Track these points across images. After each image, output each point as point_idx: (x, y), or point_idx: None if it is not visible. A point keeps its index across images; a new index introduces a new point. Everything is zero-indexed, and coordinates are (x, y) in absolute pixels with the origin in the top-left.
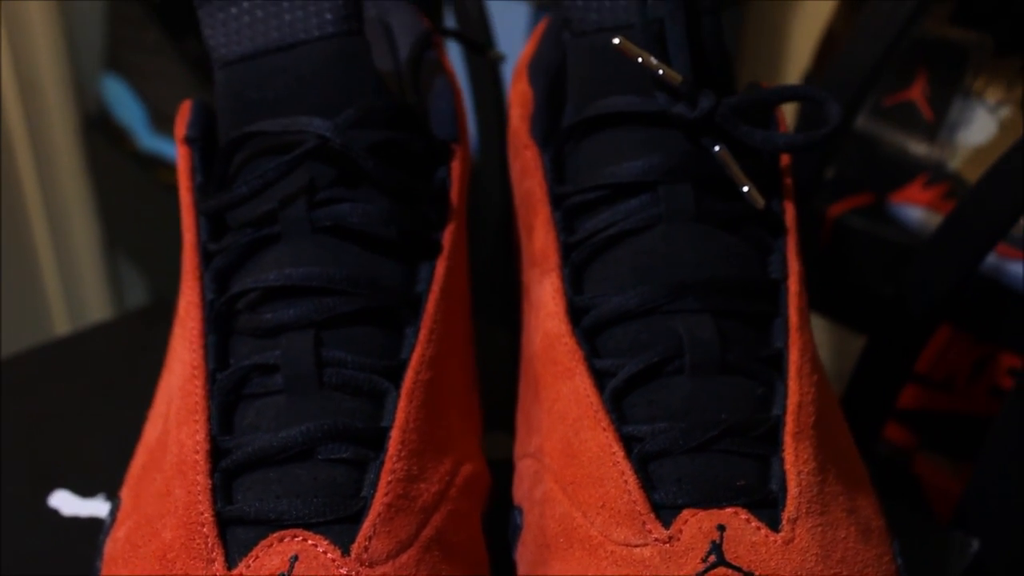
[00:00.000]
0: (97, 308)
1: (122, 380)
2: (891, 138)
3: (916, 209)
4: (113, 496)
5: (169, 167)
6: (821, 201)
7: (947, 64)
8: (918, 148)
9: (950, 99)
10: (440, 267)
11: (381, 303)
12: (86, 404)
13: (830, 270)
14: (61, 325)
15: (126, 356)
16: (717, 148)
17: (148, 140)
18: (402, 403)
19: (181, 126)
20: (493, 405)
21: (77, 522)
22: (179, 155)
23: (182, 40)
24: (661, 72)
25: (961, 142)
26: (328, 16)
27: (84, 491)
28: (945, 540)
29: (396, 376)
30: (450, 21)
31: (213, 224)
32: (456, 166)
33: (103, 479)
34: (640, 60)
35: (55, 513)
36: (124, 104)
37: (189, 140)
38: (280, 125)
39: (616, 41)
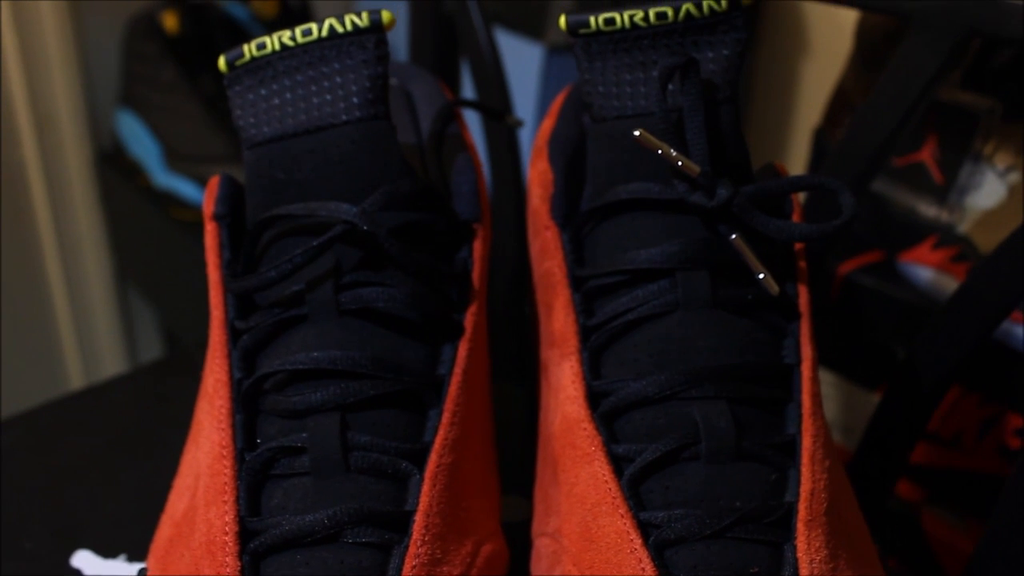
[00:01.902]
0: (107, 338)
1: (138, 435)
2: (901, 198)
3: (925, 269)
4: (135, 558)
5: (182, 204)
6: (831, 258)
7: (957, 128)
8: (928, 210)
9: (960, 163)
10: (462, 349)
11: (405, 386)
12: (103, 460)
13: (839, 326)
14: (71, 353)
15: (141, 411)
16: (733, 236)
17: (162, 177)
18: (425, 487)
19: (209, 202)
20: (506, 465)
21: None
22: (207, 231)
23: (197, 78)
24: (680, 163)
25: (970, 205)
26: (355, 101)
27: (105, 551)
28: None
29: (420, 459)
30: (465, 72)
31: (240, 301)
32: (478, 246)
33: (123, 539)
34: (660, 152)
35: (77, 573)
36: (138, 140)
37: (217, 217)
38: (308, 209)
39: (637, 133)
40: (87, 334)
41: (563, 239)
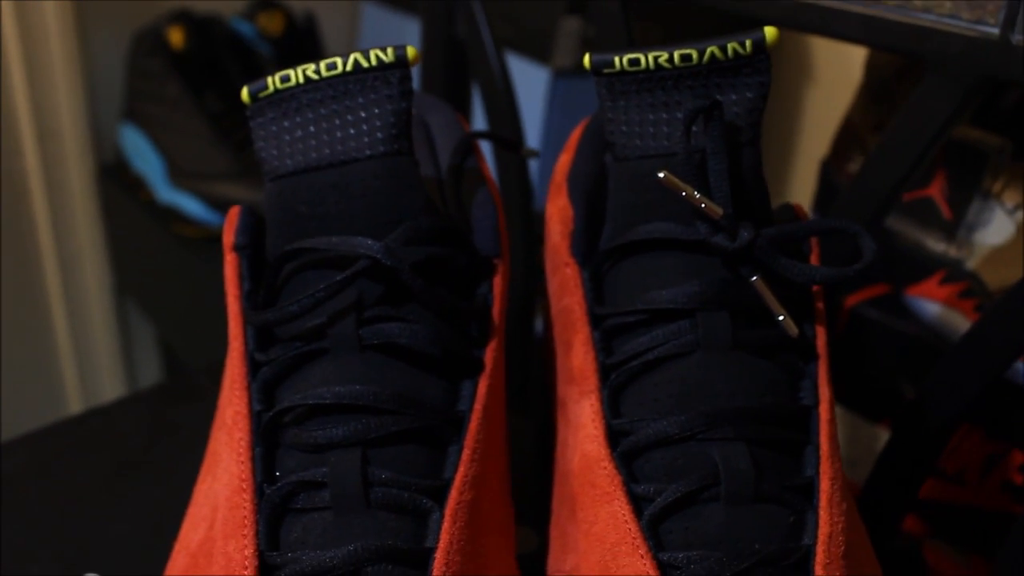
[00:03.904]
0: (105, 352)
1: (143, 460)
2: (909, 233)
3: (933, 304)
4: None
5: (184, 220)
6: (839, 290)
7: (966, 165)
8: (936, 245)
9: (969, 199)
10: (482, 385)
11: (426, 422)
12: (109, 484)
13: (845, 359)
14: (68, 366)
15: (145, 435)
16: (754, 278)
17: (165, 192)
18: (446, 524)
19: (229, 233)
20: (516, 497)
21: None
22: (227, 262)
23: (201, 95)
24: (703, 205)
25: (979, 242)
26: (379, 136)
27: None
28: None
29: (440, 496)
30: (475, 96)
31: (260, 333)
32: (498, 282)
33: (132, 565)
34: (684, 194)
35: None
36: (142, 155)
37: (238, 247)
38: (330, 243)
39: (661, 175)
40: (85, 347)
41: (583, 276)
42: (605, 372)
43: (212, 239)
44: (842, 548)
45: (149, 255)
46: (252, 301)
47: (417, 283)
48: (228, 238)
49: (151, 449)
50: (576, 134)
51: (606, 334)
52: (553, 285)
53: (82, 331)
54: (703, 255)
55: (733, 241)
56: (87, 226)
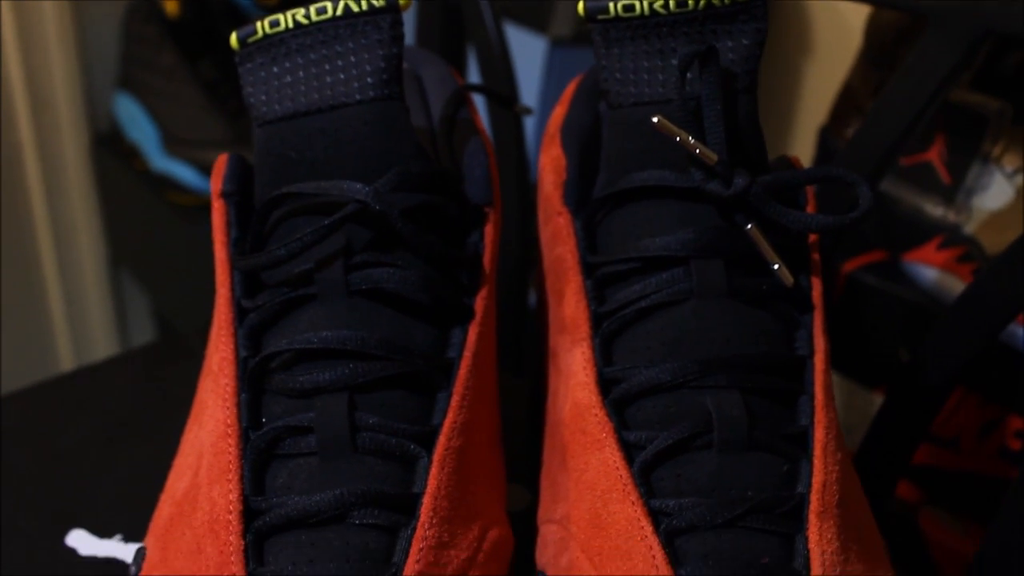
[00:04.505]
0: (99, 322)
1: (133, 417)
2: (907, 198)
3: (930, 269)
4: (131, 538)
5: (179, 188)
6: (835, 256)
7: (966, 129)
8: (934, 210)
9: (968, 163)
10: (472, 333)
11: (414, 368)
12: (98, 441)
13: (841, 325)
14: (63, 337)
15: (136, 392)
16: (749, 226)
17: (159, 161)
18: (434, 470)
19: (217, 180)
20: (506, 453)
21: (95, 562)
22: (214, 209)
23: (196, 63)
24: (698, 151)
25: (977, 206)
26: (369, 80)
27: (101, 531)
28: None
29: (428, 442)
30: (471, 60)
31: (247, 280)
32: (489, 231)
33: (119, 519)
34: (678, 139)
35: (72, 553)
36: (136, 124)
37: (225, 194)
38: (319, 188)
39: (655, 120)
40: (79, 318)
41: (575, 226)
42: (597, 320)
43: (207, 207)
44: (836, 496)
45: (144, 224)
46: (240, 248)
47: (406, 228)
48: (216, 185)
49: (141, 407)
50: (571, 87)
51: (598, 283)
52: (546, 235)
53: (77, 301)
54: (697, 202)
55: (728, 188)
56: (81, 196)
